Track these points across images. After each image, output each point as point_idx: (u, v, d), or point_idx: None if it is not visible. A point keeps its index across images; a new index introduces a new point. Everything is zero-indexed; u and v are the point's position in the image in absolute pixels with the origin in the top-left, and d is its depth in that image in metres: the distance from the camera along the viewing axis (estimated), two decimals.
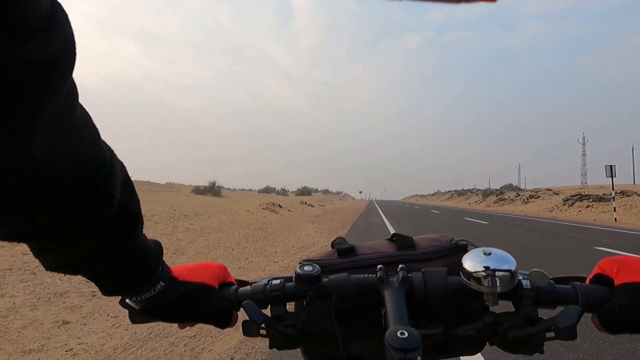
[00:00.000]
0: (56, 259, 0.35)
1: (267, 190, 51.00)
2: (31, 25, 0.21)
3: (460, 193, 71.09)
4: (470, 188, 75.59)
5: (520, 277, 0.45)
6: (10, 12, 0.20)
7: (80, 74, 0.27)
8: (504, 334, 0.45)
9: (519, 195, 36.50)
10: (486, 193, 47.93)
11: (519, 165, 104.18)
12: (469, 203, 48.74)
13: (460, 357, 0.53)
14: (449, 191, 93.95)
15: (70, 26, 0.24)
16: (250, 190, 50.13)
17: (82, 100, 0.29)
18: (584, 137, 72.66)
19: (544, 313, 0.45)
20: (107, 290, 0.41)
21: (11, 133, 0.23)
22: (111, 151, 0.35)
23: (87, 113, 0.31)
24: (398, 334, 0.37)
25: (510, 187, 52.40)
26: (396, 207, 28.52)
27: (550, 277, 0.46)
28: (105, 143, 0.34)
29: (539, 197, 32.05)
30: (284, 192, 52.61)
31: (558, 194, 32.49)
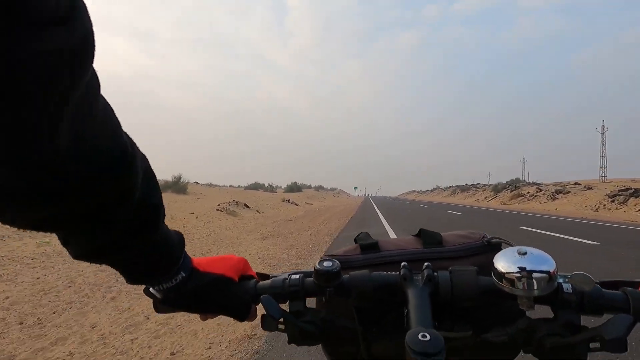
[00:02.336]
0: (81, 247, 0.36)
1: (255, 186, 45.73)
2: (53, 15, 0.21)
3: (464, 188, 65.12)
4: (474, 183, 69.94)
5: (561, 280, 0.42)
6: (32, 2, 0.20)
7: None
8: (541, 342, 0.41)
9: (540, 190, 31.08)
10: (498, 188, 41.79)
11: (523, 158, 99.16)
12: (477, 200, 43.04)
13: None
14: (450, 186, 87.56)
15: (88, 16, 0.24)
16: (238, 186, 45.08)
17: None
18: (603, 126, 66.95)
19: (589, 322, 0.41)
20: (131, 279, 0.42)
21: (39, 127, 0.23)
22: (132, 143, 0.34)
23: (108, 104, 0.31)
24: (419, 337, 0.35)
25: (517, 181, 47.12)
26: (399, 207, 22.24)
27: (597, 281, 0.43)
28: (126, 135, 0.34)
29: (569, 192, 26.63)
30: (272, 188, 47.51)
31: (591, 188, 27.09)
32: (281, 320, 0.45)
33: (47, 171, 0.26)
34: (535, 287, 0.39)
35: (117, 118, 0.32)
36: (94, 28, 0.24)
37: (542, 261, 0.40)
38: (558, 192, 27.59)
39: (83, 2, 0.24)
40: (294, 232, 9.40)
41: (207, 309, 0.47)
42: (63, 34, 0.22)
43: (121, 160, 0.32)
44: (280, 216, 15.53)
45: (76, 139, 0.26)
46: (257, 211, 17.08)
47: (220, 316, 0.48)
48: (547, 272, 0.39)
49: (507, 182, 45.95)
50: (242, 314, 0.49)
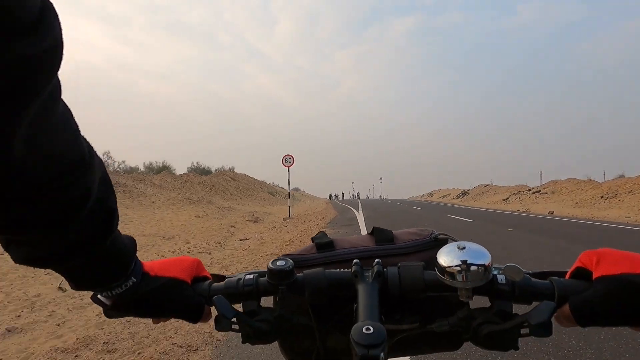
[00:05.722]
0: (27, 252, 0.34)
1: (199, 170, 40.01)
2: (21, 23, 0.22)
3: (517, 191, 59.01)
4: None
5: (495, 272, 0.44)
6: (0, 10, 0.20)
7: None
8: (477, 329, 0.44)
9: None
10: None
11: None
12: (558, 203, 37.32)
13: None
14: (486, 185, 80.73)
15: (59, 25, 0.25)
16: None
17: None
18: None
19: (523, 310, 0.43)
20: (77, 285, 0.41)
21: None
22: (90, 147, 0.34)
23: (68, 109, 0.31)
24: (363, 330, 0.37)
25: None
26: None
27: (528, 271, 0.46)
28: (85, 139, 0.34)
29: None
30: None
31: None
32: (234, 319, 0.46)
33: (1, 177, 0.26)
34: (472, 279, 0.41)
35: (76, 123, 0.32)
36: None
37: (479, 255, 0.42)
38: None
39: (54, 10, 0.24)
40: None
41: (158, 314, 0.47)
42: (30, 42, 0.22)
43: (79, 165, 0.31)
44: None
45: (33, 145, 0.26)
46: None
47: (172, 317, 0.48)
48: (483, 265, 0.41)
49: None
50: (196, 316, 0.48)
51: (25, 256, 0.35)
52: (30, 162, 0.27)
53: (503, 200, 33.34)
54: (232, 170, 37.09)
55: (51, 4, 0.24)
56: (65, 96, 0.30)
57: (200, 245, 7.63)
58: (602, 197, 21.44)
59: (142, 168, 29.54)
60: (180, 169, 30.93)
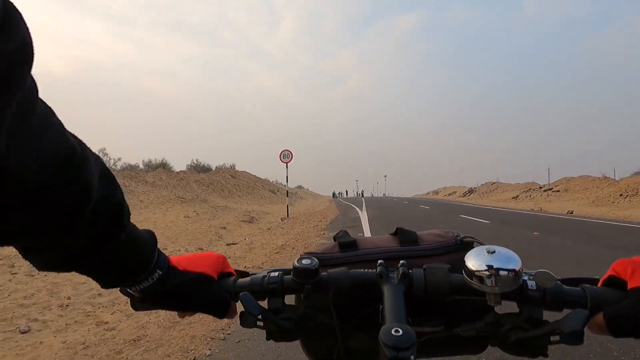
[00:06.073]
0: (46, 258, 0.35)
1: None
2: None
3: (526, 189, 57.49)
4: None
5: (526, 278, 0.44)
6: None
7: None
8: (506, 335, 0.44)
9: None
10: None
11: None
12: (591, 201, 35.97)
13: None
14: (493, 182, 79.27)
15: (24, 25, 0.25)
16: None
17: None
18: None
19: (553, 317, 0.43)
20: (105, 283, 0.41)
21: None
22: (82, 143, 0.34)
23: (48, 107, 0.31)
24: (392, 332, 0.37)
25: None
26: None
27: (559, 278, 0.45)
28: (73, 135, 0.33)
29: None
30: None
31: None
32: (260, 316, 0.46)
33: None
34: (502, 284, 0.41)
35: (59, 120, 0.31)
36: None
37: (509, 260, 0.41)
38: None
39: (18, 12, 0.24)
40: None
41: (186, 307, 0.47)
42: None
43: (71, 160, 0.31)
44: None
45: (15, 147, 0.26)
46: None
47: (199, 312, 0.48)
48: (514, 270, 0.41)
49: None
50: (222, 311, 0.48)
51: (46, 262, 0.35)
52: (16, 166, 0.26)
53: (513, 198, 31.98)
54: (233, 167, 35.95)
55: (13, 5, 0.24)
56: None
57: (178, 252, 6.60)
58: (621, 195, 20.15)
59: (141, 166, 28.86)
60: (180, 167, 29.88)
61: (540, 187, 33.62)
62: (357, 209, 18.86)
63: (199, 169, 32.19)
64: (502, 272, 0.40)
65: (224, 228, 10.52)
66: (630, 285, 0.41)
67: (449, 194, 62.75)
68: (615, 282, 0.43)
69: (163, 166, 27.34)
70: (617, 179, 26.25)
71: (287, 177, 14.97)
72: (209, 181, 24.69)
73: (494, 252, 0.42)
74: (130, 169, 26.10)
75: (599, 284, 0.45)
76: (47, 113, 0.30)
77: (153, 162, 29.69)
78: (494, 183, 50.85)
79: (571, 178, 31.15)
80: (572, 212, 15.07)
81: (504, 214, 14.83)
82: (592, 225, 10.08)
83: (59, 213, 0.31)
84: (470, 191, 53.79)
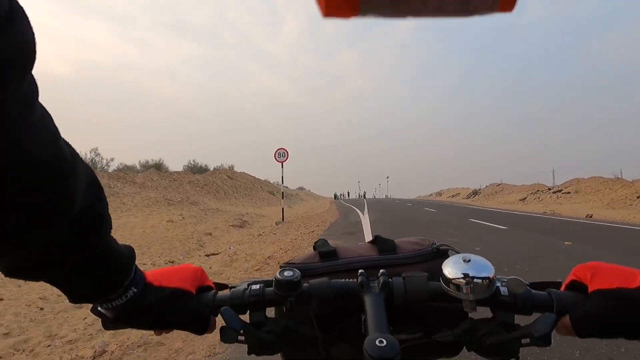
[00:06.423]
0: (15, 262, 0.33)
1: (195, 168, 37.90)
2: None
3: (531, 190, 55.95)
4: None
5: (498, 284, 0.46)
6: None
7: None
8: (481, 340, 0.46)
9: None
10: None
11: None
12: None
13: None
14: (498, 184, 77.65)
15: (29, 24, 0.25)
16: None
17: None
18: None
19: (523, 320, 0.46)
20: (74, 297, 0.39)
21: None
22: (75, 153, 0.34)
23: (47, 113, 0.30)
24: (377, 342, 0.38)
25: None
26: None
27: (527, 282, 0.47)
28: (67, 144, 0.33)
29: None
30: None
31: None
32: (241, 331, 0.45)
33: None
34: (477, 291, 0.43)
35: (55, 127, 0.31)
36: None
37: (483, 268, 0.43)
38: None
39: (23, 11, 0.24)
40: None
41: (163, 326, 0.45)
42: (1, 38, 0.22)
43: (61, 170, 0.30)
44: None
45: (9, 150, 0.26)
46: None
47: (177, 329, 0.46)
48: (488, 278, 0.43)
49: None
50: (201, 327, 0.46)
51: (10, 267, 0.33)
52: (6, 168, 0.26)
53: (520, 200, 30.75)
54: (231, 168, 34.94)
55: (18, 3, 0.24)
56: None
57: (144, 266, 5.52)
58: (638, 197, 19.03)
59: (138, 167, 27.99)
60: (178, 167, 28.96)
61: (549, 189, 32.43)
62: (359, 212, 17.71)
63: (195, 169, 31.32)
64: (476, 280, 0.42)
65: (210, 234, 9.45)
66: (591, 289, 0.43)
67: (453, 196, 61.42)
68: (576, 286, 0.46)
69: (158, 167, 26.39)
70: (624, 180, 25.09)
71: (282, 177, 13.85)
72: (203, 182, 23.65)
73: (469, 260, 0.44)
74: (127, 169, 25.18)
75: (562, 288, 0.47)
76: (46, 117, 0.30)
77: (149, 163, 28.78)
78: (499, 184, 49.58)
79: (581, 179, 29.92)
80: (591, 216, 13.88)
81: (517, 218, 13.67)
82: (622, 231, 8.94)
83: (34, 217, 0.29)
84: (475, 193, 52.48)
